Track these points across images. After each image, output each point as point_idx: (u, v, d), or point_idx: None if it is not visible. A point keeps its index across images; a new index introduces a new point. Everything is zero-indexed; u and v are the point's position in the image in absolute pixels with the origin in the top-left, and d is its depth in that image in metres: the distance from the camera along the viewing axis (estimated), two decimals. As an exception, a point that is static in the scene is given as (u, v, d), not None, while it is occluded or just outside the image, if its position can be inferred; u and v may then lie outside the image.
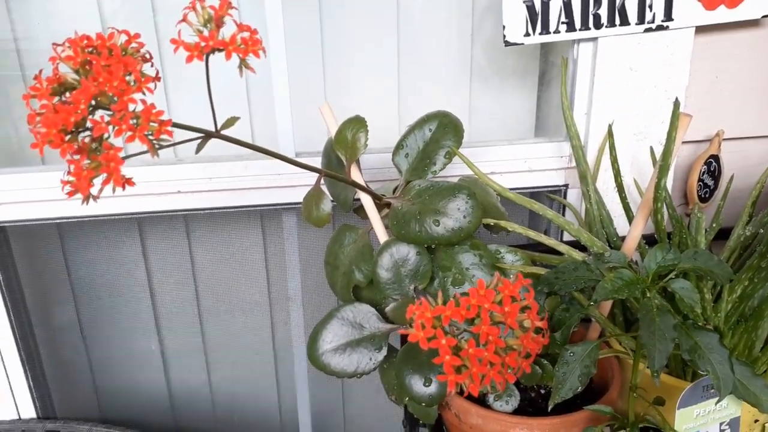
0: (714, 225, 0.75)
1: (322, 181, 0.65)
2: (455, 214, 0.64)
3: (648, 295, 0.58)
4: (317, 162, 0.73)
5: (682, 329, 0.55)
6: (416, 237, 0.65)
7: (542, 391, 0.76)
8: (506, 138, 0.97)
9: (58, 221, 0.84)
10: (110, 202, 0.83)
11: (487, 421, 0.67)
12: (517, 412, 0.68)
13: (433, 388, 0.62)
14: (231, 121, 0.49)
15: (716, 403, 0.56)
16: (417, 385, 0.63)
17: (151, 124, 0.41)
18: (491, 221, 0.68)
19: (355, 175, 0.68)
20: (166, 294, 1.01)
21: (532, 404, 0.74)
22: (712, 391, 0.58)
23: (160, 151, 0.42)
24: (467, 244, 0.69)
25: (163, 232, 0.98)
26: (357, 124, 0.65)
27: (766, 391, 0.58)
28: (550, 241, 0.68)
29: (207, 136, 0.51)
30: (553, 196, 0.89)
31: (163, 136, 0.42)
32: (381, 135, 0.74)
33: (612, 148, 0.75)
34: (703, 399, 0.58)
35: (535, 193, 0.92)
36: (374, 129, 0.75)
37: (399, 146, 0.73)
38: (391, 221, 0.67)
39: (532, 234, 0.68)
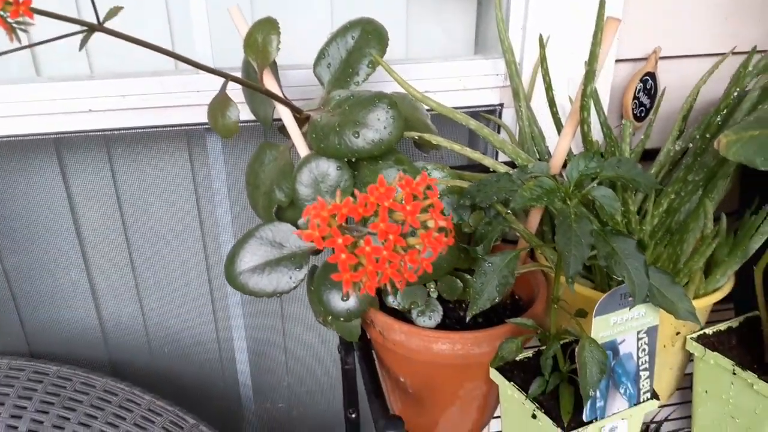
0: (643, 138, 0.74)
1: (232, 89, 0.61)
2: (375, 125, 0.61)
3: (570, 203, 0.57)
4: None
5: (599, 235, 0.54)
6: (336, 151, 0.62)
7: (471, 310, 0.76)
8: (443, 56, 0.94)
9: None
10: (16, 122, 0.77)
11: (410, 337, 0.67)
12: (443, 330, 0.67)
13: (351, 303, 0.61)
14: (114, 12, 0.45)
15: (630, 308, 0.56)
16: (335, 300, 0.61)
17: (7, 3, 0.36)
18: (415, 134, 0.66)
19: (270, 84, 0.64)
20: (90, 224, 0.97)
21: (460, 323, 0.74)
22: (630, 299, 0.58)
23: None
24: (391, 159, 0.66)
25: (84, 160, 0.92)
26: (268, 26, 0.61)
27: (683, 299, 0.58)
28: (474, 155, 0.66)
29: (90, 29, 0.46)
30: (488, 115, 0.87)
31: (24, 19, 0.38)
32: (312, 49, 0.70)
33: (543, 59, 0.73)
34: (621, 307, 0.58)
35: (471, 114, 0.89)
36: (304, 43, 0.71)
37: (320, 55, 0.69)
38: (310, 135, 0.64)
39: (457, 147, 0.66)
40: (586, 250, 0.52)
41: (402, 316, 0.69)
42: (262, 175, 0.70)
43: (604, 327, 0.57)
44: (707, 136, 0.67)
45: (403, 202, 0.41)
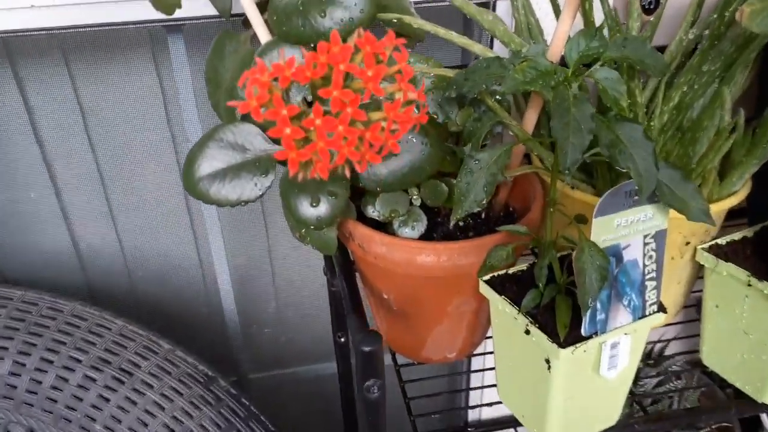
0: (653, 21, 0.65)
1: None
2: (345, 2, 0.53)
3: (570, 85, 0.49)
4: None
5: (601, 121, 0.47)
6: (300, 34, 0.54)
7: (461, 223, 0.69)
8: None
9: None
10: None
11: (392, 249, 0.60)
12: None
13: (322, 208, 0.54)
14: None
15: (636, 204, 0.49)
16: (304, 205, 0.54)
17: None
18: (394, 17, 0.57)
19: (224, -39, 0.56)
20: (54, 142, 0.90)
21: (449, 238, 0.67)
22: (636, 198, 0.51)
23: None
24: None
25: (41, 68, 0.84)
26: None
27: (696, 197, 0.51)
28: (461, 39, 0.58)
29: None
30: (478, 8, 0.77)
31: None
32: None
33: (541, -68, 0.63)
34: (625, 207, 0.51)
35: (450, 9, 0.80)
36: None
37: (284, -71, 0.60)
38: (271, 17, 0.56)
39: (442, 32, 0.58)
40: (586, 137, 0.45)
41: (383, 227, 0.62)
42: (222, 70, 0.62)
43: (606, 229, 0.51)
44: (726, 15, 0.59)
45: (363, 65, 0.34)
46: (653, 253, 0.54)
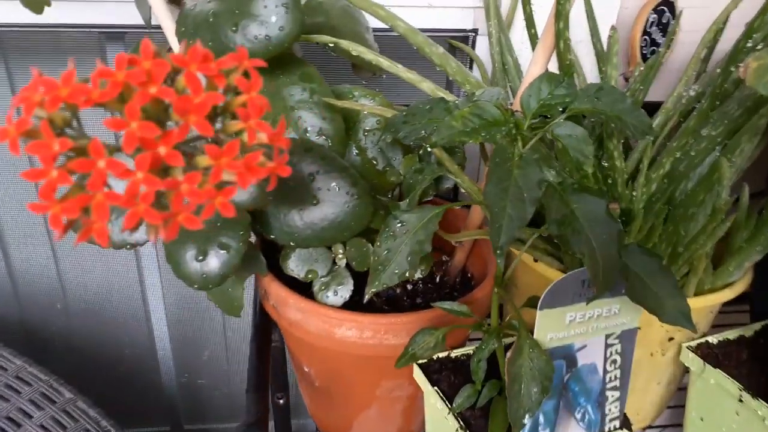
0: (648, 77, 0.55)
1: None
2: (261, 15, 0.43)
3: (517, 142, 0.39)
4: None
5: (553, 190, 0.37)
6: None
7: (408, 286, 0.59)
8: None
9: None
10: None
11: (308, 316, 0.50)
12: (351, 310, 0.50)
13: (210, 264, 0.44)
14: None
15: (588, 302, 0.38)
16: (187, 258, 0.44)
17: None
18: (328, 39, 0.48)
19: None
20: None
21: (391, 304, 0.57)
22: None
23: None
24: (296, 74, 0.49)
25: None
26: None
27: (675, 294, 0.40)
28: (408, 75, 0.48)
29: None
30: (455, 42, 0.68)
31: None
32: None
33: (520, -41, 0.54)
34: (582, 298, 0.40)
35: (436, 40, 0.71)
36: None
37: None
38: (179, 29, 0.46)
39: (385, 64, 0.48)
40: (529, 209, 0.35)
41: (307, 286, 0.52)
42: (133, 88, 0.53)
43: (554, 325, 0.40)
44: (732, 70, 0.48)
45: (186, 90, 0.24)
46: (617, 357, 0.43)
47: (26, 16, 0.62)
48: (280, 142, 0.26)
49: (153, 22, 0.53)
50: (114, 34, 0.70)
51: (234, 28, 0.43)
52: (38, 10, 0.41)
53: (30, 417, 0.69)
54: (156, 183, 0.23)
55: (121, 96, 0.23)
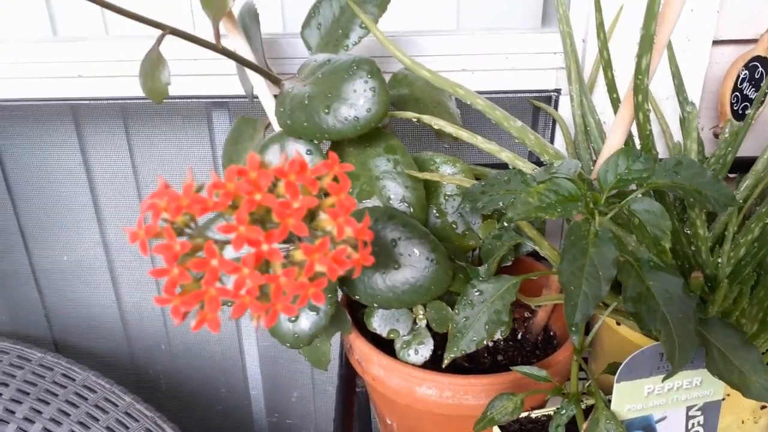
0: (738, 137, 0.54)
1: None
2: (351, 98, 0.47)
3: (594, 218, 0.40)
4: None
5: (630, 267, 0.38)
6: (303, 130, 0.49)
7: (489, 343, 0.60)
8: (490, 27, 0.78)
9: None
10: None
11: (390, 374, 0.52)
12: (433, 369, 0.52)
13: (301, 324, 0.48)
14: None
15: (664, 379, 0.38)
16: (282, 319, 0.48)
17: None
18: (411, 116, 0.51)
19: (238, 45, 0.52)
20: (108, 202, 0.90)
21: (472, 360, 0.58)
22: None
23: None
24: (381, 146, 0.52)
25: (101, 133, 0.85)
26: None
27: (760, 370, 0.40)
28: (487, 145, 0.50)
29: None
30: (539, 103, 0.70)
31: None
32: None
33: (600, 28, 0.55)
34: (662, 370, 0.40)
35: (519, 100, 0.73)
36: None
37: (310, 15, 0.56)
38: (278, 109, 0.51)
39: (465, 135, 0.51)
40: (604, 288, 0.36)
41: (390, 342, 0.55)
42: (236, 157, 0.58)
43: (632, 397, 0.40)
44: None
45: (286, 195, 0.27)
46: (700, 429, 0.43)
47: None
48: (364, 236, 0.29)
49: (255, 93, 0.59)
50: (219, 103, 0.77)
51: (326, 111, 0.48)
52: (158, 101, 0.47)
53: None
54: (260, 278, 0.26)
55: (231, 203, 0.27)
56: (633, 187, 0.44)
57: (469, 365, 0.57)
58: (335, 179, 0.29)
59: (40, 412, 0.76)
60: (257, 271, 0.26)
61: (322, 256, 0.27)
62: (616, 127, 0.50)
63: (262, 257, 0.27)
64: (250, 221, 0.26)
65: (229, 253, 0.28)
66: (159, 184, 0.27)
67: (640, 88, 0.46)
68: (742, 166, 0.59)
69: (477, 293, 0.44)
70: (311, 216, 0.28)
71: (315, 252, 0.27)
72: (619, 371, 0.39)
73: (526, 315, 0.63)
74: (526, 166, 0.50)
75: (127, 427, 0.76)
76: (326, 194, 0.29)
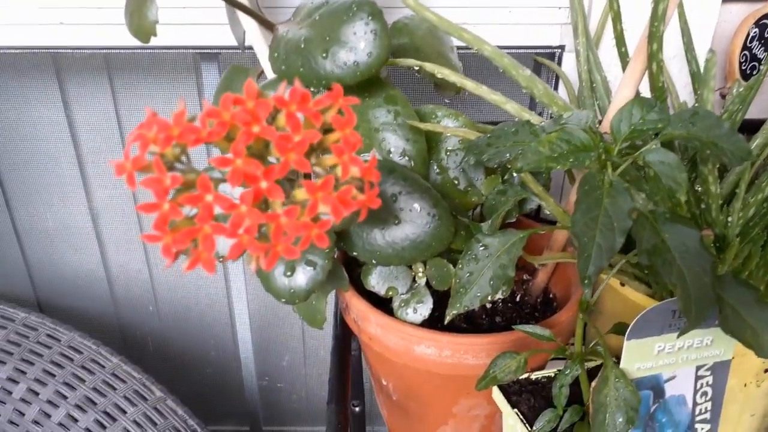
0: (748, 97, 0.53)
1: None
2: (350, 42, 0.45)
3: (607, 170, 0.38)
4: None
5: (644, 219, 0.36)
6: (298, 76, 0.46)
7: (488, 305, 0.59)
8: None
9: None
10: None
11: (387, 332, 0.51)
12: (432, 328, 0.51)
13: (297, 279, 0.46)
14: None
15: (679, 335, 0.37)
16: (276, 274, 0.46)
17: None
18: (412, 63, 0.48)
19: (230, -14, 0.49)
20: (92, 156, 0.86)
21: (469, 321, 0.57)
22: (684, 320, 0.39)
23: None
24: (381, 96, 0.50)
25: (85, 85, 0.82)
26: None
27: (773, 327, 0.39)
28: (493, 96, 0.48)
29: None
30: (541, 59, 0.68)
31: None
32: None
33: (610, -23, 0.53)
34: (673, 329, 0.39)
35: (521, 56, 0.70)
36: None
37: (307, -43, 0.53)
38: (272, 54, 0.48)
39: (470, 85, 0.48)
40: (618, 239, 0.34)
41: (387, 302, 0.53)
42: (227, 107, 0.55)
43: (641, 355, 0.39)
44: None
45: (286, 128, 0.25)
46: (708, 389, 0.42)
47: (131, 40, 0.67)
48: (371, 176, 0.26)
49: (246, 44, 0.56)
50: (208, 55, 0.74)
51: (324, 55, 0.45)
52: (145, 40, 0.44)
53: (124, 413, 0.73)
54: (259, 216, 0.24)
55: (227, 135, 0.24)
56: (639, 143, 0.42)
57: (467, 326, 0.56)
58: (340, 112, 0.26)
59: (24, 373, 0.74)
60: (256, 208, 0.24)
61: (326, 195, 0.25)
62: (626, 81, 0.48)
63: (261, 195, 0.25)
64: (248, 155, 0.24)
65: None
66: (147, 114, 0.25)
67: (655, 35, 0.43)
68: (749, 128, 0.58)
69: (482, 248, 0.42)
70: (313, 153, 0.26)
71: (319, 190, 0.25)
72: (630, 329, 0.38)
73: (525, 277, 0.61)
74: (533, 118, 0.48)
75: (115, 388, 0.74)
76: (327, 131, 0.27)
